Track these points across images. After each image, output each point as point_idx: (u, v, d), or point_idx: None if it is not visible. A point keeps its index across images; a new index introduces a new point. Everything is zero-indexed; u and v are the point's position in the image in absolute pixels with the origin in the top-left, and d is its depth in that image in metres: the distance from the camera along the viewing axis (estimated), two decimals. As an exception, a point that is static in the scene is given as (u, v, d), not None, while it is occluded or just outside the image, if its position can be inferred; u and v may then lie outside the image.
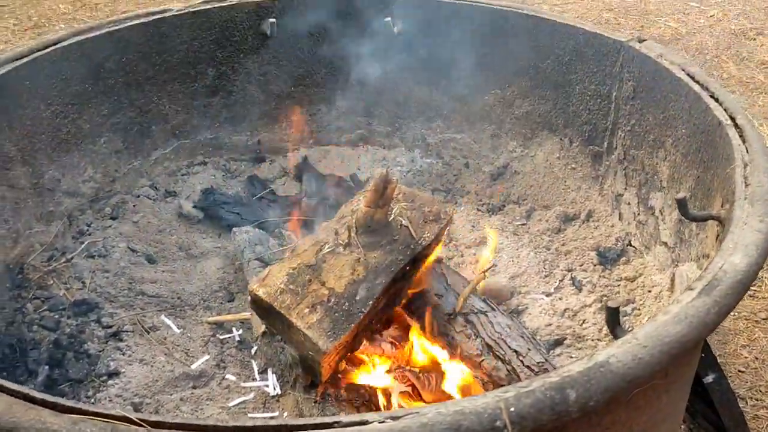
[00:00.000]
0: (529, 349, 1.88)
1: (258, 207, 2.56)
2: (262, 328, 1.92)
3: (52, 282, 2.18)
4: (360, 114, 2.81)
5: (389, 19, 2.55)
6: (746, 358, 2.48)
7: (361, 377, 1.86)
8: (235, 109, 2.68)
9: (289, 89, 2.71)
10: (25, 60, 2.10)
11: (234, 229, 2.37)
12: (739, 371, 2.45)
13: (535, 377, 1.11)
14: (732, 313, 2.61)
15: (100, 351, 1.97)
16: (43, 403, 1.09)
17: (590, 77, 2.34)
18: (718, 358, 2.44)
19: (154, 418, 1.06)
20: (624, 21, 4.92)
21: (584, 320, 2.08)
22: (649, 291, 2.12)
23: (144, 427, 1.06)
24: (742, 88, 4.07)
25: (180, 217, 2.53)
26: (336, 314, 1.70)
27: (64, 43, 2.21)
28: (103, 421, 1.07)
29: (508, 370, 1.85)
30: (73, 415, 1.07)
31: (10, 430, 1.06)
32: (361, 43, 2.64)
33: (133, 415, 1.07)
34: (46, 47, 2.18)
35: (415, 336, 1.93)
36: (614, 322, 1.32)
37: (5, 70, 2.04)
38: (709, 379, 2.09)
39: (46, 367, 1.90)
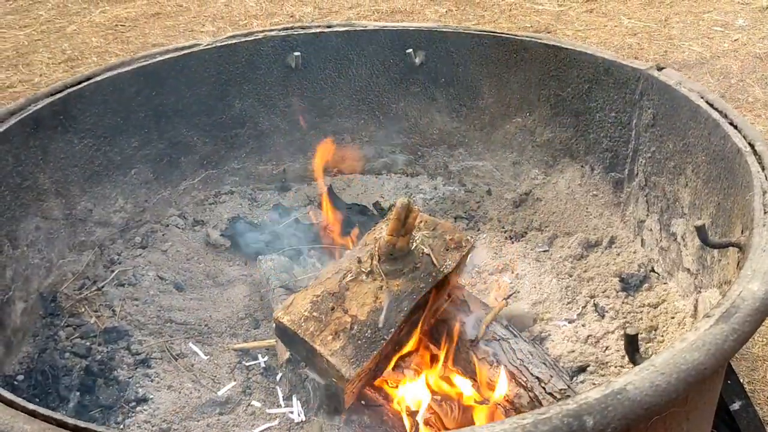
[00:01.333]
0: (552, 376, 1.89)
1: (284, 235, 2.61)
2: (287, 354, 1.95)
3: (83, 310, 2.24)
4: (383, 143, 2.85)
5: (410, 51, 2.60)
6: (775, 384, 2.45)
7: (384, 404, 1.88)
8: (260, 139, 2.74)
9: (313, 120, 2.77)
10: (59, 95, 2.18)
11: (259, 257, 2.42)
12: (769, 398, 2.42)
13: (556, 403, 1.13)
14: (762, 339, 2.59)
15: (129, 377, 2.02)
16: (75, 429, 1.13)
17: (610, 105, 2.37)
18: (746, 384, 2.42)
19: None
20: (648, 46, 4.93)
21: (607, 347, 2.08)
22: (672, 317, 2.12)
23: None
24: (767, 112, 4.05)
25: (207, 245, 2.58)
26: (359, 341, 1.73)
27: (97, 79, 2.29)
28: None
29: (530, 398, 1.85)
30: (103, 441, 1.11)
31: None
32: (382, 74, 2.70)
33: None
34: (80, 83, 2.26)
35: (438, 363, 1.95)
36: (633, 349, 1.33)
37: (40, 106, 2.12)
38: (736, 406, 2.07)
39: (78, 393, 1.95)
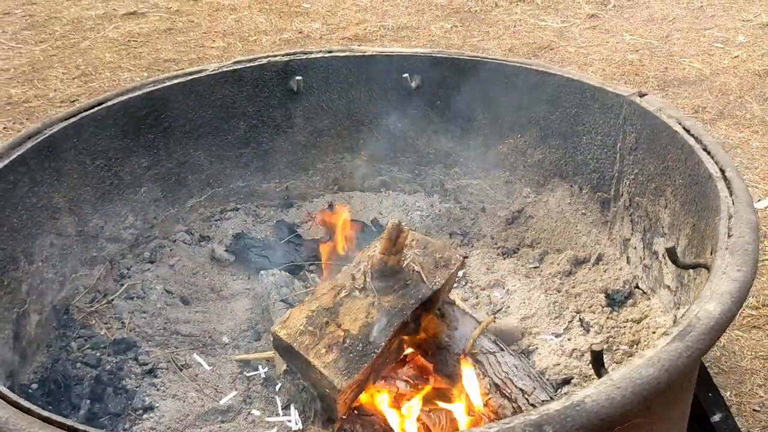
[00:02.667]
0: (535, 388, 1.99)
1: (285, 250, 2.72)
2: (285, 366, 2.06)
3: (94, 322, 2.36)
4: (382, 162, 2.97)
5: (407, 75, 2.72)
6: (762, 397, 2.54)
7: (375, 414, 1.99)
8: (264, 158, 2.87)
9: (314, 140, 2.89)
10: (73, 120, 2.31)
11: (261, 271, 2.54)
12: (754, 410, 2.50)
13: (518, 414, 1.24)
14: (750, 353, 2.67)
15: (136, 387, 2.14)
16: (85, 435, 1.25)
17: (596, 128, 2.47)
18: (734, 397, 2.50)
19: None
20: (648, 62, 5.02)
21: (591, 360, 2.18)
22: (654, 332, 2.22)
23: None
24: (764, 128, 4.13)
25: (213, 260, 2.70)
26: (351, 354, 1.84)
27: (109, 103, 2.42)
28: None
29: (513, 408, 1.96)
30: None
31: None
32: (380, 97, 2.82)
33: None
34: (93, 107, 2.39)
35: (427, 375, 2.06)
36: (598, 364, 1.44)
37: (56, 130, 2.25)
38: (716, 418, 2.16)
39: (88, 401, 2.07)
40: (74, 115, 2.34)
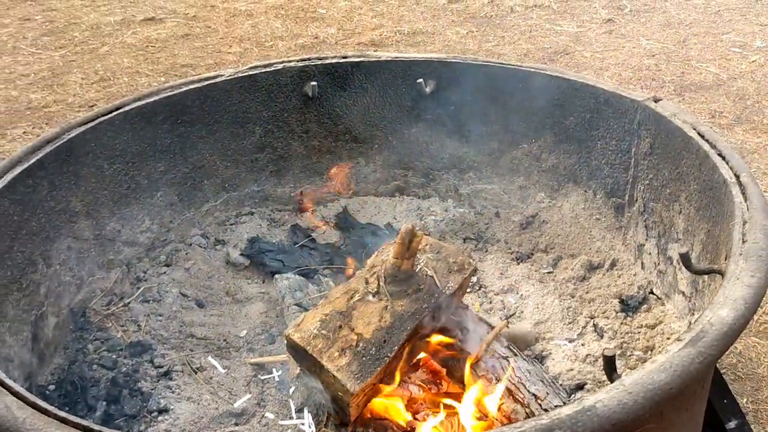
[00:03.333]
0: (548, 393, 1.99)
1: (300, 254, 2.74)
2: (298, 369, 2.07)
3: (110, 325, 2.39)
4: (396, 166, 2.98)
5: (421, 80, 2.73)
6: (778, 404, 2.51)
7: (388, 418, 1.99)
8: (279, 163, 2.89)
9: (329, 144, 2.91)
10: (91, 124, 2.34)
11: (276, 275, 2.56)
12: (771, 418, 2.48)
13: (530, 419, 1.24)
14: (766, 359, 2.65)
15: (152, 389, 2.16)
16: (100, 435, 1.27)
17: (610, 133, 2.47)
18: (750, 404, 2.48)
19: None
20: (665, 67, 5.00)
21: (604, 366, 2.17)
22: (668, 338, 2.21)
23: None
24: (781, 134, 4.10)
25: (228, 264, 2.72)
26: (364, 358, 1.85)
27: (126, 108, 2.45)
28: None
29: (526, 413, 1.95)
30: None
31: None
32: (395, 102, 2.83)
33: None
34: (110, 112, 2.43)
35: (440, 380, 2.06)
36: (611, 369, 1.43)
37: (74, 134, 2.28)
38: (732, 425, 2.15)
39: (104, 402, 2.09)
40: (92, 120, 2.37)
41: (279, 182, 2.92)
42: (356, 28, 6.05)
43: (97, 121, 2.37)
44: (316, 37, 5.89)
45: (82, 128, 2.32)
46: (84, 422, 1.30)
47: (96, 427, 1.29)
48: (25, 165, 2.11)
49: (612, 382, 1.44)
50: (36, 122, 4.71)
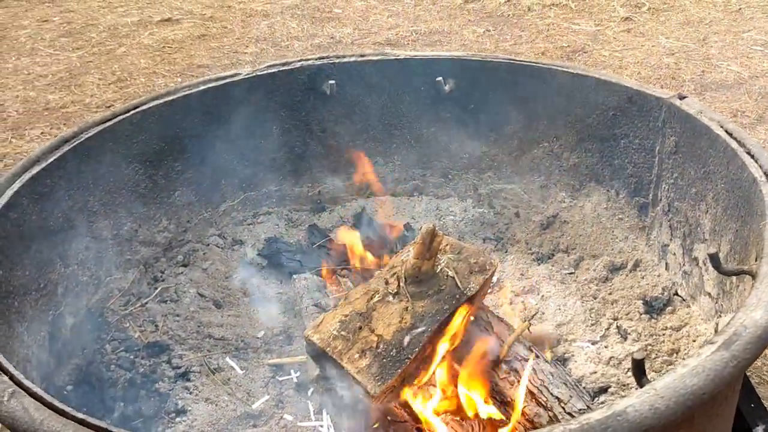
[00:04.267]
0: (571, 397, 1.95)
1: (317, 255, 2.72)
2: (317, 370, 2.05)
3: (128, 325, 2.37)
4: (415, 166, 2.95)
5: (440, 79, 2.70)
6: (805, 409, 2.45)
7: (407, 420, 1.96)
8: (297, 162, 2.87)
9: (347, 144, 2.89)
10: (108, 123, 2.33)
11: (294, 276, 2.54)
12: (798, 423, 2.42)
13: (557, 424, 1.20)
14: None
15: (169, 390, 2.14)
16: (119, 437, 1.25)
17: (634, 132, 2.43)
18: (775, 408, 2.43)
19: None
20: (685, 66, 4.93)
21: (629, 369, 2.13)
22: (694, 341, 2.16)
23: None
24: (804, 133, 4.03)
25: (245, 264, 2.70)
26: (384, 360, 1.82)
27: (144, 107, 2.44)
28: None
29: (549, 417, 1.92)
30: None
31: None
32: (413, 101, 2.80)
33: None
34: (128, 111, 2.41)
35: (461, 382, 2.03)
36: (640, 372, 1.40)
37: (92, 134, 2.27)
38: (759, 430, 2.10)
39: (122, 403, 2.08)
40: (110, 119, 2.36)
41: (296, 182, 2.90)
42: (372, 27, 6.03)
43: (114, 121, 2.36)
44: (332, 37, 5.88)
45: (100, 127, 2.31)
46: (102, 424, 1.29)
47: (114, 429, 1.27)
48: (44, 164, 2.10)
49: (641, 387, 1.40)
50: (54, 123, 4.72)
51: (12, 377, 1.39)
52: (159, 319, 2.41)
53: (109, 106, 4.96)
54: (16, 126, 4.72)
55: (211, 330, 2.39)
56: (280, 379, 2.23)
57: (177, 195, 2.63)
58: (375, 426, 1.92)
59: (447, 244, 2.10)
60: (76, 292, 2.26)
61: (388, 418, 1.97)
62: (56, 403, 1.33)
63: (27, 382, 1.38)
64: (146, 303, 2.47)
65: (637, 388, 2.07)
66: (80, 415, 1.30)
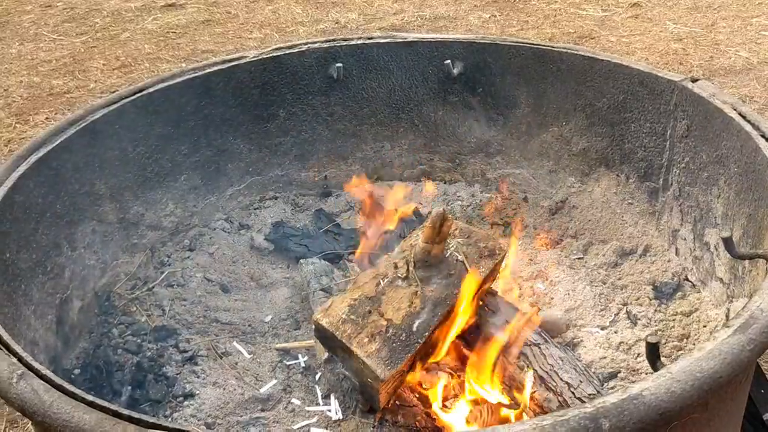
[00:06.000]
0: (581, 382, 1.94)
1: (324, 239, 2.70)
2: (326, 355, 2.04)
3: (135, 309, 2.36)
4: (422, 150, 2.93)
5: (449, 62, 2.67)
6: (814, 395, 2.44)
7: (416, 404, 1.95)
8: (303, 147, 2.85)
9: (354, 128, 2.86)
10: (114, 106, 2.31)
11: (301, 260, 2.52)
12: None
13: (572, 407, 1.19)
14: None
15: (177, 374, 2.13)
16: (129, 419, 1.24)
17: (645, 116, 2.40)
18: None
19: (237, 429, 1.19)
20: (693, 51, 4.89)
21: (639, 354, 2.12)
22: (705, 326, 2.14)
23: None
24: (814, 119, 3.99)
25: (252, 248, 2.69)
26: (394, 344, 1.80)
27: (150, 90, 2.42)
28: (179, 435, 1.20)
29: (559, 402, 1.90)
30: (154, 431, 1.21)
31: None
32: (421, 84, 2.77)
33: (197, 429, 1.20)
34: (134, 94, 2.39)
35: (470, 367, 2.02)
36: (654, 356, 1.38)
37: (98, 116, 2.25)
38: (769, 416, 2.09)
39: (129, 387, 2.07)
40: (116, 102, 2.34)
41: (303, 166, 2.88)
42: (377, 13, 5.99)
43: (120, 103, 2.34)
44: (336, 22, 5.84)
45: (106, 110, 2.29)
46: (112, 406, 1.28)
47: (124, 411, 1.26)
48: (50, 147, 2.08)
49: (655, 370, 1.39)
50: (58, 108, 4.71)
51: (21, 359, 1.38)
52: (166, 304, 2.40)
53: (113, 92, 4.94)
54: (21, 111, 4.70)
55: (218, 314, 2.38)
56: (288, 363, 2.21)
57: (183, 179, 2.62)
58: (384, 410, 1.90)
59: (456, 229, 2.08)
60: (83, 276, 2.25)
61: (397, 402, 1.96)
62: (66, 385, 1.32)
63: (36, 364, 1.37)
64: (153, 287, 2.46)
65: (647, 373, 2.07)
66: (90, 397, 1.29)
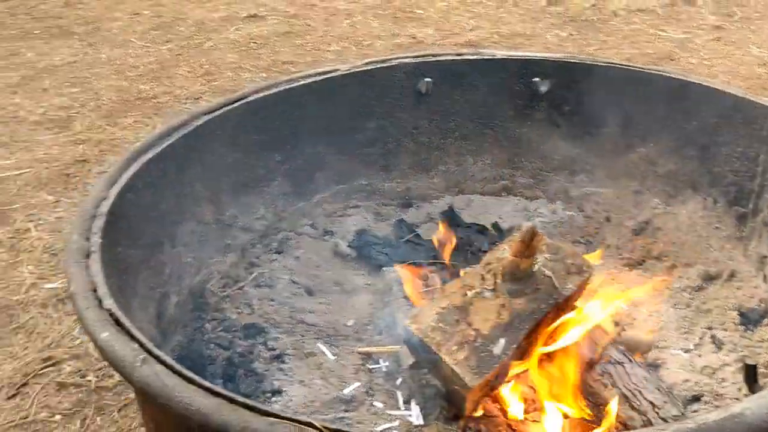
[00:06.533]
0: (665, 402, 1.94)
1: (405, 249, 2.76)
2: (409, 360, 2.09)
3: (226, 306, 2.47)
4: (504, 166, 2.97)
5: (537, 79, 2.71)
6: None
7: (499, 415, 1.99)
8: (388, 158, 2.92)
9: (438, 141, 2.93)
10: (216, 113, 2.43)
11: (384, 268, 2.59)
12: None
13: (673, 422, 1.22)
14: None
15: (266, 370, 2.22)
16: (245, 406, 1.32)
17: (737, 140, 2.39)
18: None
19: (335, 426, 1.26)
20: (778, 76, 4.80)
21: (723, 378, 2.10)
22: (793, 354, 2.12)
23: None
24: None
25: (335, 254, 2.77)
26: (481, 354, 1.85)
27: (249, 99, 2.54)
28: (293, 424, 1.27)
29: (643, 422, 1.91)
30: (269, 418, 1.29)
31: (219, 426, 1.30)
32: (507, 101, 2.82)
33: (317, 423, 1.27)
34: (233, 102, 2.51)
35: (553, 381, 2.04)
36: (752, 379, 1.39)
37: (202, 122, 2.37)
38: None
39: (221, 381, 2.16)
40: (217, 109, 2.45)
41: (387, 177, 2.95)
42: (453, 29, 6.05)
43: (221, 111, 2.46)
44: (413, 37, 5.93)
45: (207, 117, 2.41)
46: (225, 392, 1.35)
47: (239, 398, 1.34)
48: (158, 149, 2.21)
49: (753, 392, 1.40)
50: (146, 112, 4.90)
51: (143, 345, 1.48)
52: (255, 303, 2.49)
53: (197, 98, 5.12)
54: (110, 114, 4.91)
55: (304, 316, 2.47)
56: (370, 367, 2.27)
57: (275, 185, 2.72)
58: (467, 418, 1.95)
59: (544, 244, 2.12)
60: (180, 273, 2.36)
61: (481, 411, 2.00)
62: (185, 371, 1.41)
63: (157, 351, 1.46)
64: (243, 286, 2.56)
65: (733, 399, 2.05)
66: (207, 384, 1.37)
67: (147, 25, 6.42)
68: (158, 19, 6.55)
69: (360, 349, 2.34)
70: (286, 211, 2.78)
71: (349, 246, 2.79)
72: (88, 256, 1.76)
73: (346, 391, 2.18)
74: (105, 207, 1.94)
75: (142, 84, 5.32)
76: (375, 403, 2.15)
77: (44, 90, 5.21)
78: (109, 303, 1.58)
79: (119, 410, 2.68)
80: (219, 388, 1.36)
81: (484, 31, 5.87)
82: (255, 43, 6.03)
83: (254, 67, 5.60)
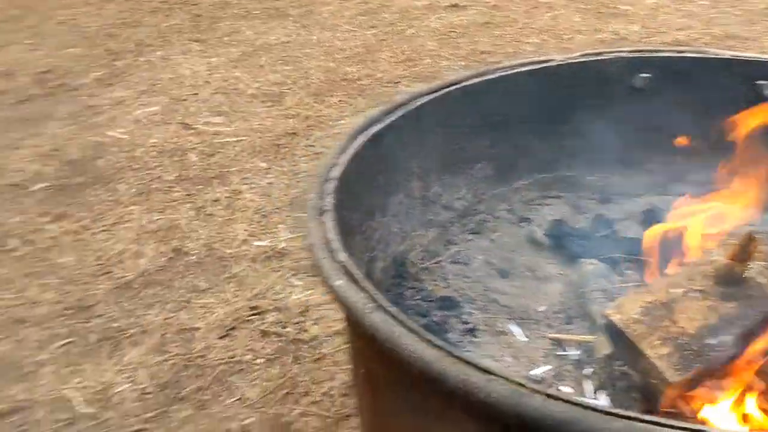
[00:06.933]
0: None
1: (602, 243, 2.76)
2: (606, 351, 2.12)
3: (424, 278, 2.61)
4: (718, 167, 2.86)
5: (764, 82, 2.59)
6: None
7: (692, 418, 1.96)
8: (593, 152, 2.91)
9: (647, 137, 2.88)
10: (436, 95, 2.56)
11: (581, 259, 2.61)
12: None
13: None
14: None
15: (459, 342, 2.33)
16: (464, 361, 1.43)
17: None
18: None
19: (545, 390, 1.33)
20: None
21: None
22: None
23: (540, 394, 1.34)
24: None
25: (530, 241, 2.83)
26: (685, 352, 1.84)
27: (465, 83, 2.65)
28: (508, 382, 1.37)
29: None
30: (487, 375, 1.39)
31: (439, 374, 1.41)
32: (727, 102, 2.71)
33: (528, 384, 1.35)
34: (450, 86, 2.63)
35: (756, 392, 1.98)
36: None
37: (421, 102, 2.52)
38: None
39: (419, 346, 2.30)
40: (436, 91, 2.59)
41: (589, 170, 2.95)
42: (660, 27, 5.84)
43: (439, 93, 2.59)
44: (616, 34, 5.79)
45: (428, 98, 2.55)
46: (448, 346, 1.47)
47: (457, 352, 1.44)
48: (383, 124, 2.37)
49: None
50: (350, 93, 5.20)
51: (371, 296, 1.63)
52: (450, 278, 2.61)
53: (396, 83, 5.35)
54: (318, 92, 5.26)
55: (497, 296, 2.55)
56: (559, 353, 2.32)
57: (479, 167, 2.82)
58: (660, 414, 1.94)
59: (760, 252, 2.05)
60: (387, 241, 2.53)
61: (673, 411, 1.98)
62: (409, 322, 1.54)
63: (384, 302, 1.61)
64: (440, 261, 2.69)
65: None
66: (430, 336, 1.50)
67: (354, 11, 6.77)
68: (365, 5, 6.88)
69: (551, 335, 2.39)
70: (486, 194, 2.88)
71: (545, 234, 2.83)
72: (321, 213, 1.95)
73: (535, 372, 2.25)
74: (336, 172, 2.13)
75: (348, 66, 5.64)
76: (563, 388, 2.19)
77: (260, 66, 5.67)
78: (342, 256, 1.75)
79: (314, 361, 2.93)
80: (441, 342, 1.48)
81: (694, 31, 5.62)
82: (455, 32, 6.17)
83: (453, 56, 5.74)
